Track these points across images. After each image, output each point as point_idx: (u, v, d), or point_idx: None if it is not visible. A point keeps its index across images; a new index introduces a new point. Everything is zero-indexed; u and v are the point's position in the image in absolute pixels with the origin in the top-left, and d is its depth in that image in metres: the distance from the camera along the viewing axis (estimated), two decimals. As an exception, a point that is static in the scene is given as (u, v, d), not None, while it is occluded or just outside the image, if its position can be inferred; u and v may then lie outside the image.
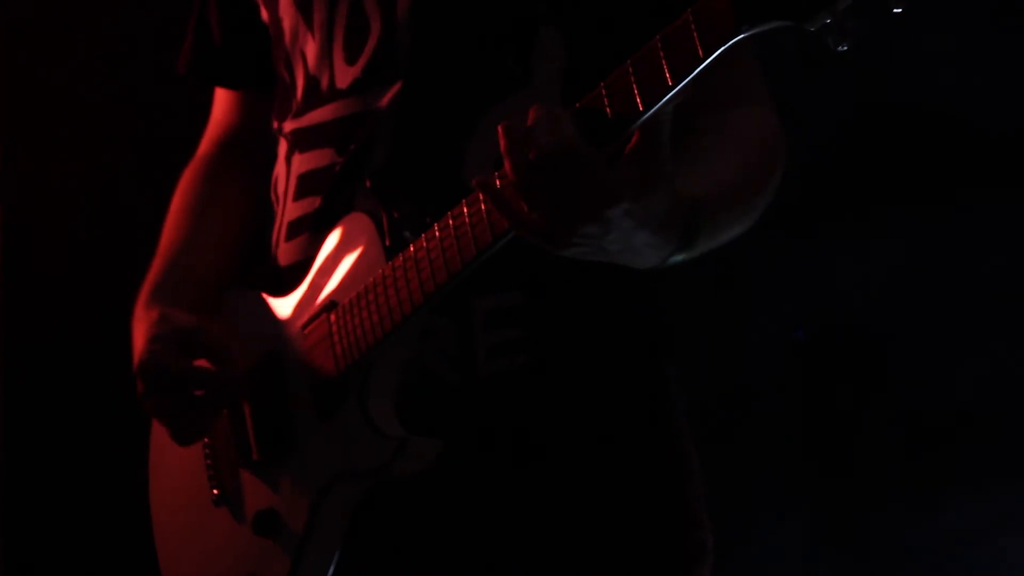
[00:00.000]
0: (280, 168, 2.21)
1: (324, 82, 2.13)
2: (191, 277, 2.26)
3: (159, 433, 2.29)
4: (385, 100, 2.06)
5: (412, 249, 1.93)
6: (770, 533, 3.40)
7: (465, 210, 1.86)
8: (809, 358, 3.40)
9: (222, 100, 2.41)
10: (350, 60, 2.10)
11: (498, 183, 1.78)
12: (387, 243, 2.00)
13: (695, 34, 1.62)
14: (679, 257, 1.83)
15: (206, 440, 2.21)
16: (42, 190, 3.77)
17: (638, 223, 1.74)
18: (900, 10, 1.53)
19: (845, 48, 1.57)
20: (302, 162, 2.15)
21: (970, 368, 3.30)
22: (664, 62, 1.65)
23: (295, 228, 2.16)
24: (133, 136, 3.73)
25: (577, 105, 1.73)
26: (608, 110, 1.70)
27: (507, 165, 1.72)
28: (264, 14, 2.24)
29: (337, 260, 2.07)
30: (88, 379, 3.66)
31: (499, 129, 1.73)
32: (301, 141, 2.16)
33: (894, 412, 3.36)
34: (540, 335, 2.03)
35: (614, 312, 2.08)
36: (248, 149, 2.35)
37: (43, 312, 3.77)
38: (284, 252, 2.18)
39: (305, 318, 2.09)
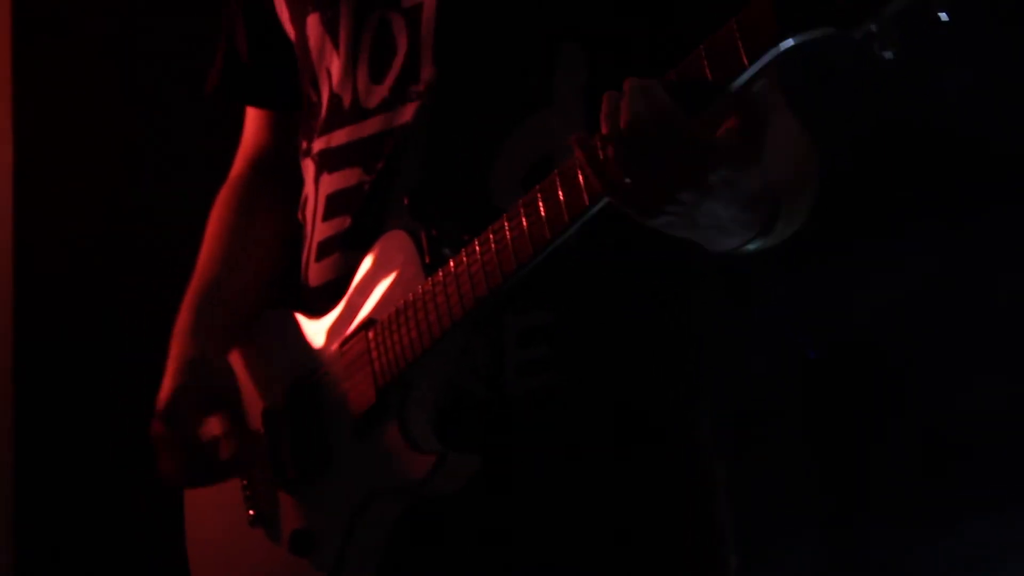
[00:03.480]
0: (308, 188, 2.21)
1: (347, 100, 2.14)
2: (230, 301, 2.26)
3: None
4: (411, 118, 2.07)
5: (452, 265, 1.94)
6: (783, 555, 3.38)
7: (506, 224, 1.87)
8: (821, 378, 3.40)
9: (253, 120, 2.41)
10: (376, 79, 2.11)
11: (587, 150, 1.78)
12: (427, 260, 2.00)
13: (739, 43, 1.63)
14: (756, 244, 1.83)
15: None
16: (55, 194, 3.77)
17: (733, 195, 1.72)
18: (946, 16, 1.54)
19: (891, 56, 1.57)
20: (330, 182, 2.16)
21: (985, 388, 3.29)
22: (707, 71, 1.67)
23: (325, 248, 2.16)
24: (145, 141, 3.71)
25: (673, 73, 1.72)
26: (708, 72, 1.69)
27: (604, 131, 1.72)
28: (291, 33, 2.24)
29: (375, 279, 2.07)
30: (100, 381, 3.66)
31: (604, 97, 1.72)
32: (328, 161, 2.16)
33: (907, 432, 3.35)
34: (569, 353, 2.03)
35: (642, 330, 2.08)
36: (281, 170, 2.35)
37: (56, 315, 3.76)
38: (315, 272, 2.18)
39: (343, 337, 2.09)
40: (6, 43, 3.80)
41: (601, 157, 1.73)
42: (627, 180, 1.71)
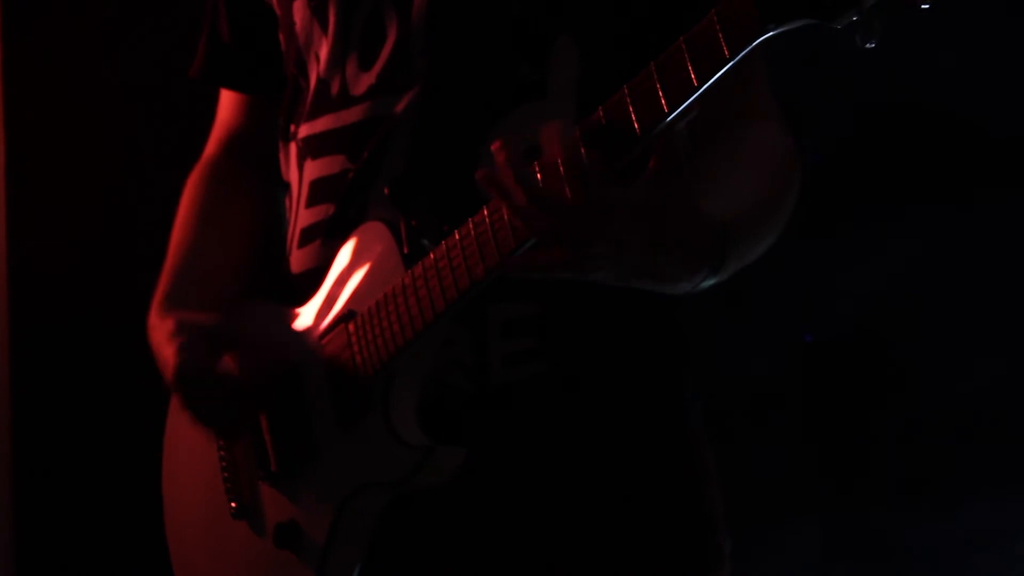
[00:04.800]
0: (292, 174, 2.19)
1: (335, 87, 2.11)
2: (201, 282, 2.24)
3: (172, 446, 2.28)
4: (400, 107, 2.05)
5: (433, 257, 1.92)
6: (783, 538, 3.39)
7: (487, 216, 1.84)
8: (819, 361, 3.40)
9: (228, 102, 2.38)
10: (364, 66, 2.09)
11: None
12: (405, 251, 1.98)
13: (720, 35, 1.61)
14: (711, 281, 1.82)
15: (222, 452, 2.19)
16: (48, 190, 3.77)
17: (665, 246, 1.73)
18: (928, 5, 1.52)
19: (872, 45, 1.55)
20: (314, 168, 2.13)
21: (983, 370, 3.29)
22: (689, 64, 1.64)
23: (308, 235, 2.14)
24: (138, 136, 3.72)
25: (601, 112, 1.71)
26: (633, 116, 1.69)
27: (517, 192, 1.72)
28: (278, 12, 2.22)
29: (353, 269, 2.05)
30: (96, 379, 3.66)
31: (496, 150, 1.74)
32: (312, 147, 2.14)
33: (906, 415, 3.35)
34: (555, 344, 2.01)
35: (628, 320, 2.06)
36: (255, 151, 2.33)
37: (50, 312, 3.76)
38: (296, 259, 2.16)
39: (323, 328, 2.07)
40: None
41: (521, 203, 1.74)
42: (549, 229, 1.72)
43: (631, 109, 1.69)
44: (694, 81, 1.64)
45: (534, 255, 1.77)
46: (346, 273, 2.06)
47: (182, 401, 2.09)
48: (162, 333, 2.14)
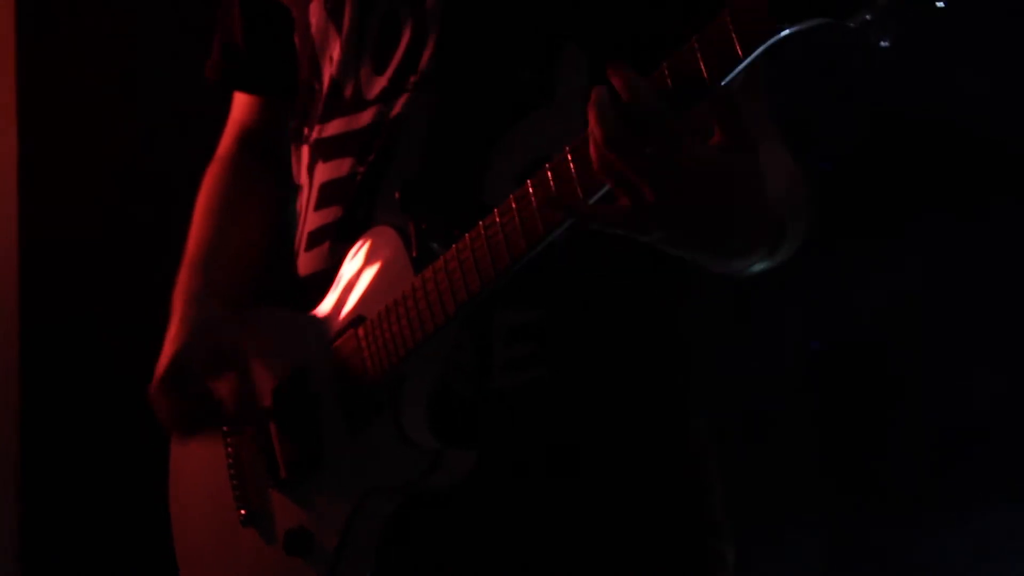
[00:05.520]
0: (303, 177, 2.19)
1: (348, 90, 2.11)
2: (227, 268, 2.24)
3: (179, 452, 2.28)
4: (408, 109, 2.05)
5: (443, 260, 1.91)
6: (787, 547, 3.39)
7: (498, 219, 1.84)
8: (826, 370, 3.40)
9: (242, 102, 2.39)
10: (378, 69, 2.09)
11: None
12: (414, 254, 1.98)
13: (733, 34, 1.61)
14: (763, 264, 1.80)
15: (230, 460, 2.18)
16: (59, 189, 3.78)
17: (729, 215, 1.69)
18: (943, 4, 1.51)
19: (887, 44, 1.55)
20: (324, 171, 2.13)
21: (988, 380, 3.29)
22: (702, 63, 1.64)
23: (316, 238, 2.14)
24: (150, 136, 3.74)
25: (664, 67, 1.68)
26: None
27: (600, 134, 1.67)
28: (294, 17, 2.22)
29: (362, 273, 2.04)
30: (104, 382, 3.67)
31: (592, 92, 1.68)
32: (323, 150, 2.14)
33: (912, 423, 3.35)
34: (557, 350, 2.01)
35: (630, 325, 2.05)
36: (269, 149, 2.34)
37: (59, 312, 3.77)
38: (304, 262, 2.16)
39: (332, 333, 2.06)
40: (10, 37, 3.79)
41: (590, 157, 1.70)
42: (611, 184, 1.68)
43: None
44: (706, 79, 1.64)
45: (598, 207, 1.72)
46: (355, 278, 2.05)
47: (157, 382, 2.10)
48: (188, 314, 2.14)
